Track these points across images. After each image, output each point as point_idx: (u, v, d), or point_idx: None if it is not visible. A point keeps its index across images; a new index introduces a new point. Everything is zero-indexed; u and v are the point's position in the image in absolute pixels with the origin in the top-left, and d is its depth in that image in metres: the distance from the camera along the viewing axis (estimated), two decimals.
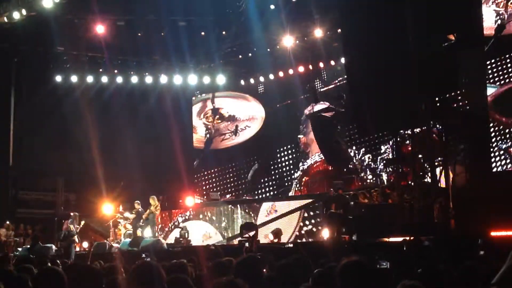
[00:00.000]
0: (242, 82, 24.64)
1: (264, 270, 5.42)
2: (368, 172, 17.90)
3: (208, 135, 22.97)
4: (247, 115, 22.69)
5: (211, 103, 22.89)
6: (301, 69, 22.54)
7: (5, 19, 18.59)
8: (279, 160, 22.21)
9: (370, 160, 18.45)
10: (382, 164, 17.63)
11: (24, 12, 18.14)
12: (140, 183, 21.82)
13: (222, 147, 22.96)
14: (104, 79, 23.75)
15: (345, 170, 18.45)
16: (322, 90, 22.05)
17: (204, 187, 23.54)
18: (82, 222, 19.38)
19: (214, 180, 23.28)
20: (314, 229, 17.58)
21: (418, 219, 13.34)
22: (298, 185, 20.31)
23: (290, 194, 21.22)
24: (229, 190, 22.78)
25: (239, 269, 4.72)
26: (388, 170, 16.94)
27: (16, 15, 18.22)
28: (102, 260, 10.88)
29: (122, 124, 23.05)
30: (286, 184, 21.73)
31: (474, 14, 14.14)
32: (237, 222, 19.49)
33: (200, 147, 23.21)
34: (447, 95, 14.53)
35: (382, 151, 18.20)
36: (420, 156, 14.48)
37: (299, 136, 21.68)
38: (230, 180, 22.87)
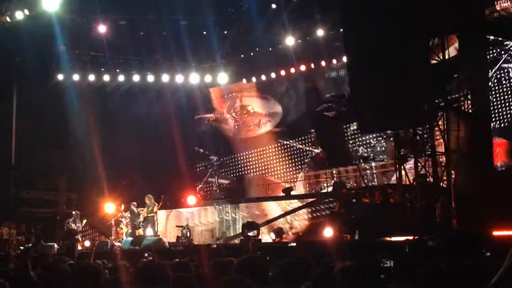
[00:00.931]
0: (244, 81, 24.71)
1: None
2: (361, 160, 19.96)
3: (236, 127, 25.92)
4: (268, 112, 25.20)
5: (239, 101, 25.65)
6: (302, 68, 22.59)
7: (7, 19, 18.61)
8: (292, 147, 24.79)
9: (363, 152, 20.59)
10: (372, 154, 19.90)
11: (26, 11, 18.16)
12: (141, 182, 21.83)
13: (247, 136, 25.91)
14: (106, 78, 23.78)
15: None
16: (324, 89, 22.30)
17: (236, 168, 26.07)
18: (84, 221, 19.41)
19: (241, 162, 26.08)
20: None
21: (420, 219, 13.34)
22: (307, 168, 22.16)
23: (300, 176, 23.07)
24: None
25: (241, 269, 4.72)
26: (376, 159, 19.56)
27: (18, 15, 18.23)
28: (104, 259, 10.90)
29: (123, 123, 23.09)
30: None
31: (477, 14, 14.13)
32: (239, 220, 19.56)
33: (230, 135, 26.16)
34: (449, 94, 14.51)
35: (372, 144, 20.57)
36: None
37: (311, 130, 22.79)
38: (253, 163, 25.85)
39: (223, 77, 24.54)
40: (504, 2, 17.25)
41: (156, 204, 19.80)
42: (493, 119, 18.62)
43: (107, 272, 5.83)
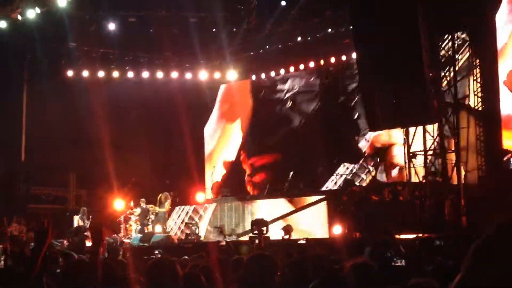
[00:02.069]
0: (254, 77, 24.71)
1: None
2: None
3: None
4: None
5: None
6: (312, 64, 22.56)
7: (18, 16, 18.67)
8: None
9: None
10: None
11: (37, 9, 18.22)
12: (151, 179, 21.87)
13: None
14: (116, 74, 23.83)
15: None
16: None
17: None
18: (90, 217, 19.51)
19: None
20: None
21: (429, 217, 13.31)
22: None
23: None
24: None
25: (250, 266, 4.72)
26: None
27: (29, 13, 18.27)
28: (112, 255, 10.93)
29: (133, 120, 23.15)
30: None
31: (486, 11, 14.07)
32: (248, 218, 19.55)
33: None
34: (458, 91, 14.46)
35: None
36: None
37: None
38: None
39: (232, 75, 24.55)
40: None
41: (169, 201, 19.87)
42: None
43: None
